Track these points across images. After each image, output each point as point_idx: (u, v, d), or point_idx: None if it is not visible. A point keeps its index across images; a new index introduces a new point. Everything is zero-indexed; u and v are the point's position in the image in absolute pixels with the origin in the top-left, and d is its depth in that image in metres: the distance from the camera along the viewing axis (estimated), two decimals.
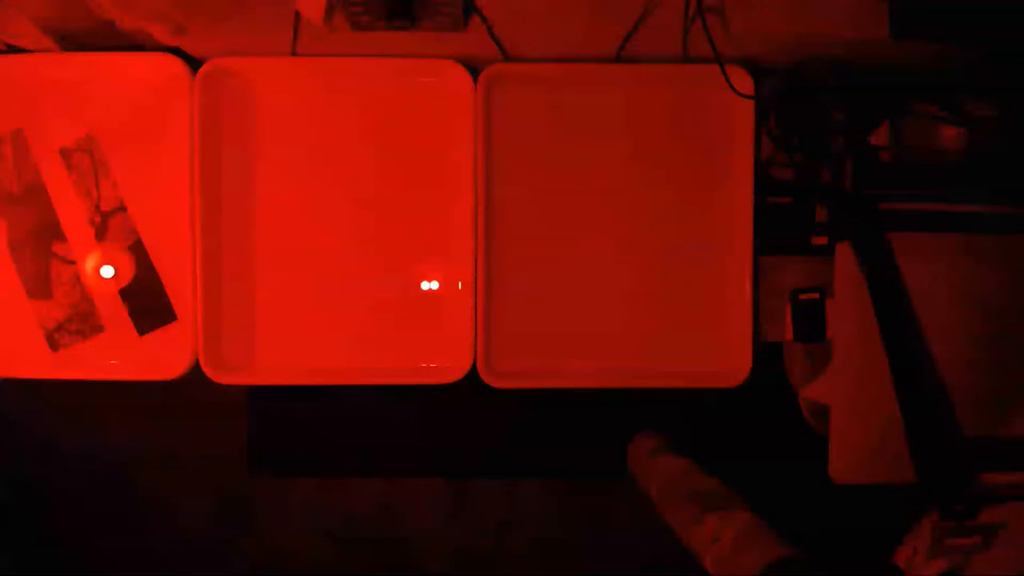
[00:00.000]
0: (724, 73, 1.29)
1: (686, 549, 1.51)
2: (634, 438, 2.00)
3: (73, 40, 1.35)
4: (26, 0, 1.26)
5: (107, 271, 1.41)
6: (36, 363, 1.42)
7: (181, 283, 1.40)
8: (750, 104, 1.36)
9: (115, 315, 1.42)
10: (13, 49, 1.37)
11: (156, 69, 1.37)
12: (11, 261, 1.41)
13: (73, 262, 1.42)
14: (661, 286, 1.43)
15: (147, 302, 1.42)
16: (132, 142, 1.40)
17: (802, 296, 1.39)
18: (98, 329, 1.43)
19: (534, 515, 2.18)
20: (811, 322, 1.39)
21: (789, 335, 1.40)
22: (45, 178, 1.40)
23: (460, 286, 1.40)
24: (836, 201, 1.36)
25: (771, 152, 1.40)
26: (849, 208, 1.33)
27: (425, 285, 1.43)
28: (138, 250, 1.41)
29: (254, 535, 2.20)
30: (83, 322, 1.42)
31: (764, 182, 1.40)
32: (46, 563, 2.18)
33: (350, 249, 1.42)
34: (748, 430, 1.99)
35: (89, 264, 1.41)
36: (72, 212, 1.41)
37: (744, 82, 1.33)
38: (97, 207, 1.41)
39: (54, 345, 1.43)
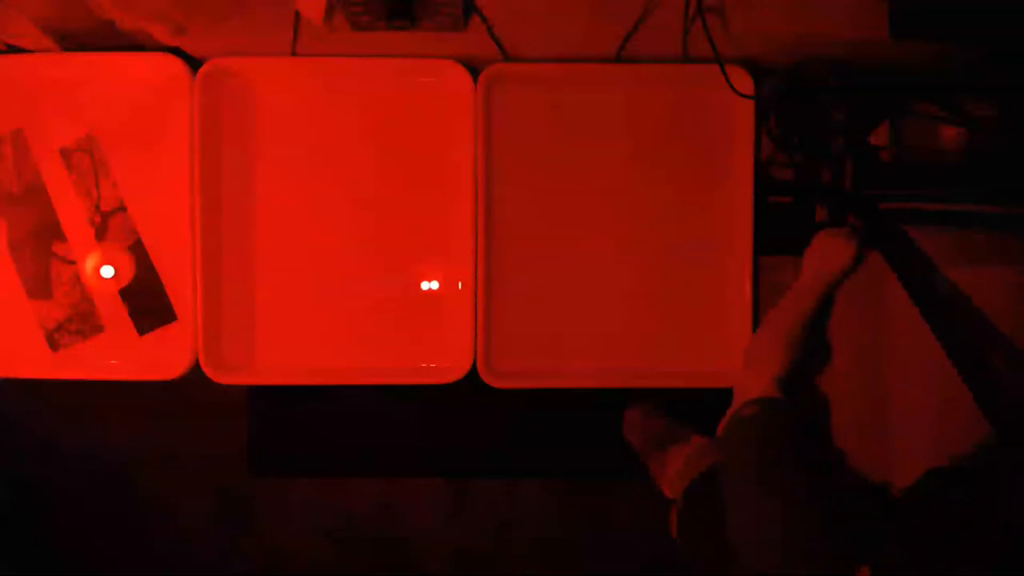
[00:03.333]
0: (724, 73, 1.29)
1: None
2: (624, 415, 2.00)
3: (73, 40, 1.35)
4: (26, 0, 1.26)
5: (107, 271, 1.41)
6: (36, 363, 1.42)
7: (181, 283, 1.40)
8: (750, 104, 1.36)
9: (115, 315, 1.42)
10: (13, 49, 1.37)
11: (156, 69, 1.37)
12: (11, 261, 1.42)
13: (73, 262, 1.42)
14: (661, 286, 1.43)
15: (147, 302, 1.42)
16: (132, 142, 1.40)
17: None
18: (98, 329, 1.43)
19: (534, 515, 2.17)
20: None
21: None
22: (45, 178, 1.40)
23: (460, 286, 1.40)
24: (836, 201, 1.36)
25: (771, 152, 1.40)
26: (849, 208, 1.34)
27: (425, 285, 1.43)
28: (138, 250, 1.41)
29: (254, 535, 2.19)
30: (83, 322, 1.42)
31: (764, 182, 1.40)
32: (46, 563, 2.18)
33: (350, 249, 1.42)
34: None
35: (89, 264, 1.41)
36: (72, 212, 1.41)
37: (744, 82, 1.33)
38: (97, 207, 1.41)
39: (54, 345, 1.43)
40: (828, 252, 1.26)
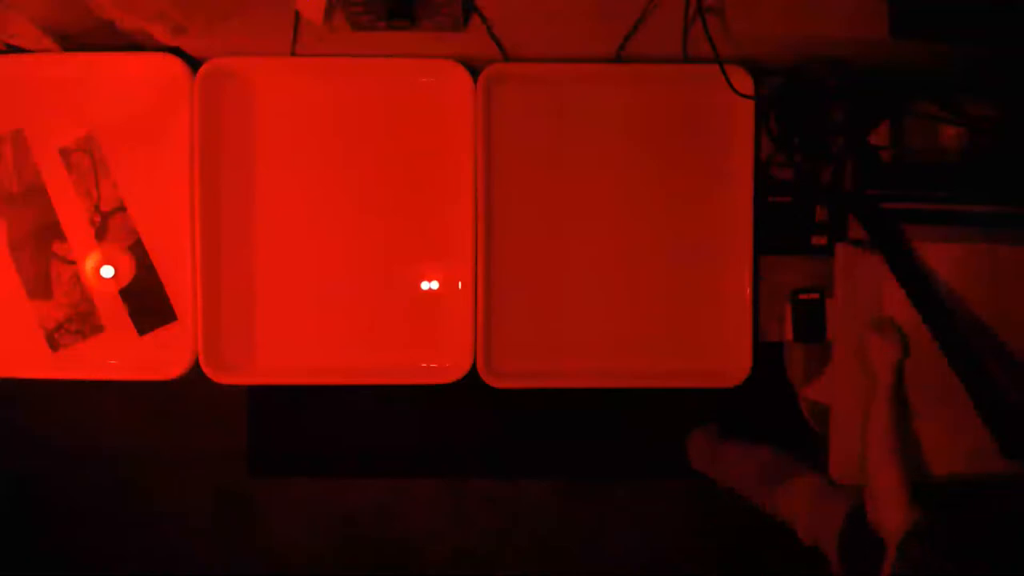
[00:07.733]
0: (724, 73, 1.29)
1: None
2: (691, 436, 2.04)
3: (73, 40, 1.35)
4: (26, 0, 1.26)
5: (107, 271, 1.41)
6: (36, 363, 1.42)
7: (181, 283, 1.40)
8: (750, 104, 1.36)
9: (115, 315, 1.42)
10: (13, 49, 1.37)
11: (156, 69, 1.37)
12: (11, 261, 1.41)
13: (73, 262, 1.42)
14: (661, 286, 1.43)
15: (147, 302, 1.42)
16: (132, 142, 1.40)
17: (802, 296, 1.39)
18: (98, 329, 1.43)
19: (534, 515, 2.18)
20: (811, 322, 1.39)
21: (789, 335, 1.40)
22: (45, 178, 1.40)
23: (460, 286, 1.40)
24: (836, 201, 1.36)
25: (771, 152, 1.40)
26: (849, 208, 1.34)
27: (425, 285, 1.43)
28: (138, 250, 1.41)
29: (254, 535, 2.20)
30: (83, 322, 1.42)
31: (764, 182, 1.40)
32: (46, 563, 2.18)
33: (350, 249, 1.42)
34: (748, 429, 1.99)
35: (89, 264, 1.41)
36: (72, 212, 1.41)
37: (744, 82, 1.33)
38: (97, 207, 1.41)
39: (54, 345, 1.43)
40: (873, 352, 1.25)
